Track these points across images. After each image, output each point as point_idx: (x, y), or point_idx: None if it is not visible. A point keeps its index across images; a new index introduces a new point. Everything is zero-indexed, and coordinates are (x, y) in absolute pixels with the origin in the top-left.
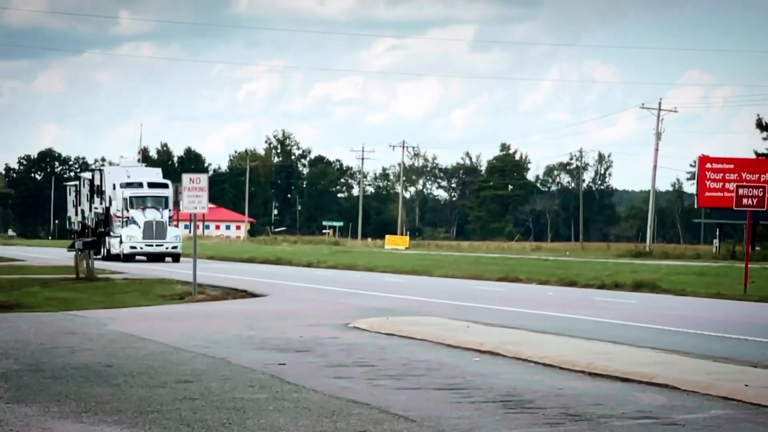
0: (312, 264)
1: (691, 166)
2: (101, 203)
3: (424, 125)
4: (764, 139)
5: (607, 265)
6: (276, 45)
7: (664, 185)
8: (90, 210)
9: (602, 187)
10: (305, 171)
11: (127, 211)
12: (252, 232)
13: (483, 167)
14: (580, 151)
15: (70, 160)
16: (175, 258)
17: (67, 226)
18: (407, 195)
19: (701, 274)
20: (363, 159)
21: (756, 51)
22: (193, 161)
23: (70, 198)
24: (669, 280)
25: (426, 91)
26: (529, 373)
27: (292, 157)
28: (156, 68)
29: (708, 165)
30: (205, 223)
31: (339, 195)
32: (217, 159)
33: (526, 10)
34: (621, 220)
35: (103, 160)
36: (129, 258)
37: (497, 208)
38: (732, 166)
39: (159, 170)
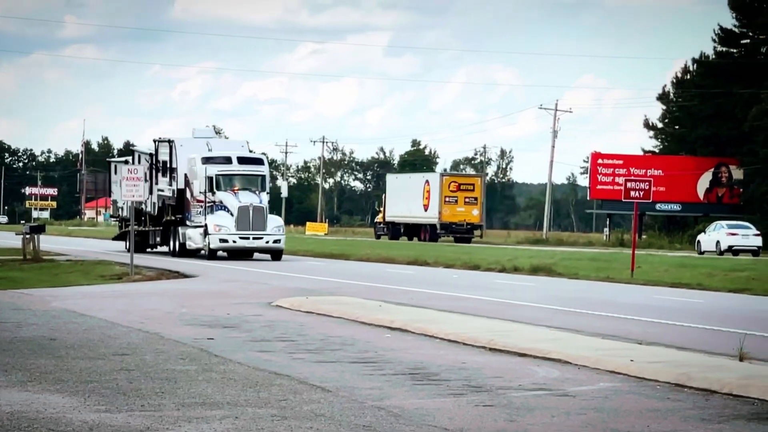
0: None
1: (584, 161)
2: (170, 184)
3: (342, 122)
4: (651, 137)
5: (508, 250)
6: (208, 48)
7: (559, 179)
8: (150, 192)
9: (504, 180)
10: None
11: (213, 193)
12: None
13: (395, 161)
14: (484, 147)
15: (19, 152)
16: (276, 255)
17: (112, 212)
18: (326, 186)
19: (593, 259)
20: (287, 153)
21: (644, 57)
22: (131, 154)
23: (116, 178)
24: (563, 265)
25: (344, 92)
26: (435, 349)
27: None
28: (98, 68)
29: (600, 161)
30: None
31: None
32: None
33: (437, 18)
34: (521, 210)
35: (49, 151)
36: (214, 254)
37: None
38: (621, 162)
39: (245, 142)
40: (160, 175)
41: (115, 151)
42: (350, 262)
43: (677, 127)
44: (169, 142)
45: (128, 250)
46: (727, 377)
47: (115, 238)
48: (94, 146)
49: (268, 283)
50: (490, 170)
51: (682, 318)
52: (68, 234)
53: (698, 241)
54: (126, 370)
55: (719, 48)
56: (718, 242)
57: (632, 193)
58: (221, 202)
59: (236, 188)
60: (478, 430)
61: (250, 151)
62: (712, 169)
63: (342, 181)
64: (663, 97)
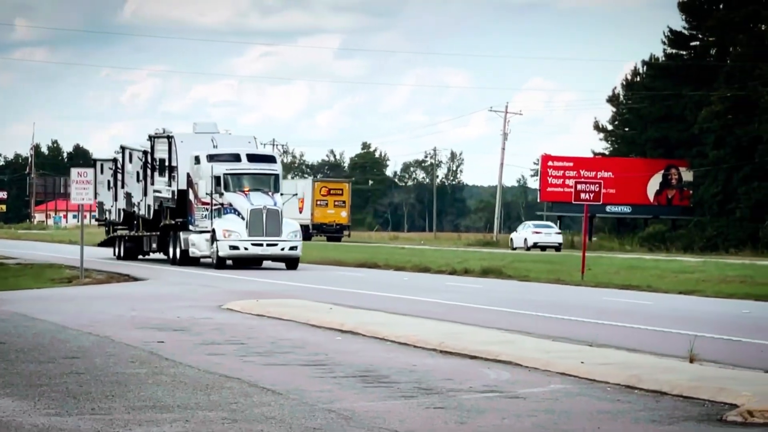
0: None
1: (534, 163)
2: (169, 184)
3: (292, 125)
4: (601, 139)
5: (458, 253)
6: (158, 51)
7: (510, 181)
8: (144, 194)
9: (454, 182)
10: None
11: (221, 194)
12: None
13: (346, 164)
14: (434, 150)
15: None
16: (291, 263)
17: (98, 216)
18: None
19: (543, 261)
20: None
21: (595, 60)
22: (81, 157)
23: (103, 178)
24: (513, 267)
25: (295, 95)
26: (386, 351)
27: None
28: (48, 72)
29: (550, 163)
30: (92, 213)
31: None
32: (103, 155)
33: (387, 21)
34: (471, 213)
35: None
36: (223, 263)
37: (358, 201)
38: (572, 164)
39: (252, 137)
40: (156, 174)
41: (65, 155)
42: (300, 265)
43: (627, 129)
44: (168, 137)
45: (119, 257)
46: (678, 379)
47: (101, 244)
48: (44, 150)
49: (218, 286)
50: (441, 172)
51: (632, 320)
52: (17, 237)
53: (511, 239)
54: (76, 374)
55: (669, 50)
56: (525, 239)
57: (582, 195)
58: (230, 204)
59: (246, 189)
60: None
61: (263, 146)
62: (662, 171)
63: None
64: (613, 100)
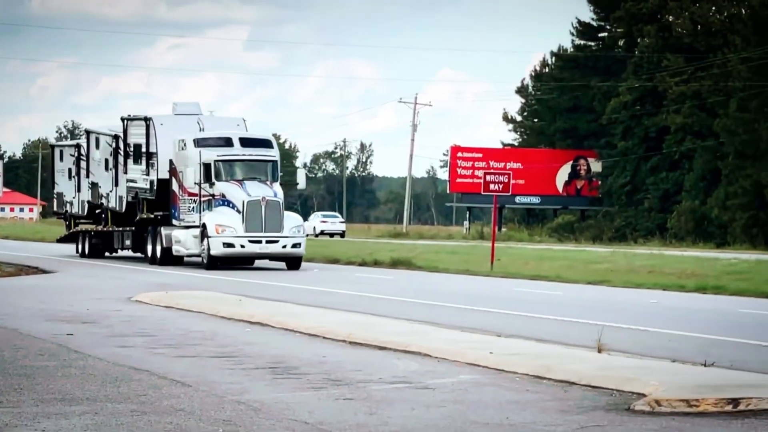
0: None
1: (444, 155)
2: (147, 172)
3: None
4: (510, 130)
5: (368, 244)
6: (67, 43)
7: (419, 172)
8: (115, 183)
9: (364, 173)
10: None
11: (211, 184)
12: (44, 214)
13: None
14: (344, 141)
15: None
16: (293, 263)
17: (55, 207)
18: None
19: (452, 252)
20: None
21: (504, 51)
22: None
23: (63, 166)
24: (423, 258)
25: (205, 86)
26: (295, 342)
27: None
28: None
29: (459, 154)
30: (0, 206)
31: None
32: (12, 147)
33: (296, 13)
34: (381, 204)
35: None
36: (215, 263)
37: None
38: (481, 155)
39: (241, 119)
40: (130, 161)
41: None
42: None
43: (536, 120)
44: (146, 120)
45: (82, 255)
46: (586, 368)
47: (62, 240)
48: None
49: (127, 278)
50: (350, 164)
51: (541, 310)
52: None
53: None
54: None
55: (577, 41)
56: (314, 227)
57: (491, 186)
58: (222, 195)
59: (239, 179)
60: (338, 424)
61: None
62: (571, 162)
63: None
64: (522, 91)
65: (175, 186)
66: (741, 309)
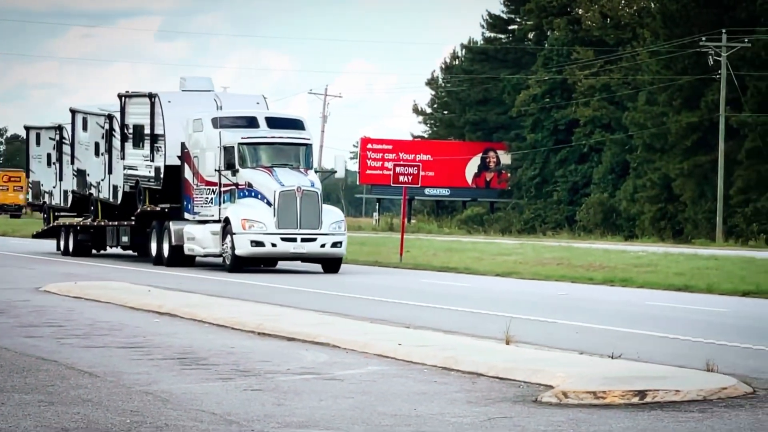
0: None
1: (354, 146)
2: (151, 158)
3: (114, 106)
4: (420, 122)
5: None
6: None
7: (329, 163)
8: (109, 171)
9: None
10: (2, 148)
11: (235, 171)
12: None
13: None
14: None
15: None
16: (332, 265)
17: (30, 198)
18: None
19: (362, 244)
20: None
21: (415, 43)
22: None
23: (40, 151)
24: None
25: (116, 76)
26: (204, 333)
27: None
28: None
29: (369, 146)
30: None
31: None
32: None
33: (208, 4)
34: None
35: None
36: (240, 265)
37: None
38: (391, 147)
39: (261, 97)
40: (128, 145)
41: None
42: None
43: (446, 112)
44: (150, 96)
45: (65, 253)
46: (494, 360)
47: (39, 235)
48: None
49: (36, 268)
50: None
51: (449, 302)
52: None
53: None
54: None
55: (487, 34)
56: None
57: (401, 178)
58: (249, 184)
59: (268, 165)
60: (246, 415)
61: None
62: (481, 154)
63: None
64: (432, 83)
65: (188, 173)
66: (648, 302)
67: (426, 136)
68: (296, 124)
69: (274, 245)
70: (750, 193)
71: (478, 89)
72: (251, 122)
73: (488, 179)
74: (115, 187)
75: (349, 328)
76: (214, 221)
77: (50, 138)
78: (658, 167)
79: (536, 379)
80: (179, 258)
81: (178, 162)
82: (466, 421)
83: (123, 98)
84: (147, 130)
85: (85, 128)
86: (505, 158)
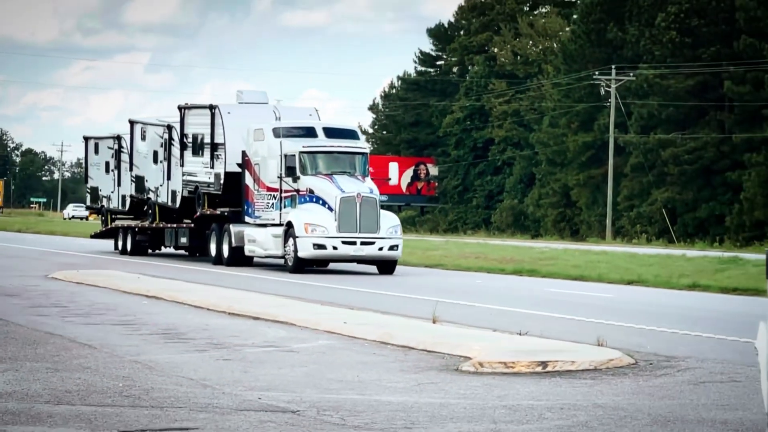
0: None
1: None
2: (211, 165)
3: (110, 126)
4: (364, 141)
5: None
6: None
7: None
8: (167, 177)
9: None
10: (18, 160)
11: (296, 178)
12: None
13: None
14: None
15: None
16: (387, 266)
17: (89, 202)
18: None
19: None
20: (62, 151)
21: (359, 74)
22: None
23: (98, 159)
24: None
25: (112, 101)
26: (184, 313)
27: (7, 149)
28: None
29: None
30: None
31: (44, 178)
32: None
33: (188, 41)
34: None
35: None
36: (302, 266)
37: None
38: None
39: (314, 109)
40: (188, 153)
41: None
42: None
43: (385, 132)
44: (211, 108)
45: (123, 252)
46: (423, 336)
47: (97, 236)
48: None
49: (46, 259)
50: None
51: (385, 288)
52: None
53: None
54: None
55: (419, 68)
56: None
57: None
58: (310, 190)
59: (328, 173)
60: (218, 380)
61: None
62: (413, 167)
63: None
64: (373, 108)
65: (248, 179)
66: (550, 288)
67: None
68: (351, 134)
69: (335, 248)
70: (634, 200)
71: (412, 113)
72: (310, 132)
73: (419, 188)
74: (174, 192)
75: (304, 309)
76: (275, 225)
77: (108, 147)
78: (558, 178)
79: (458, 351)
80: (239, 258)
81: (237, 169)
82: (400, 386)
83: (183, 110)
84: (207, 139)
85: (143, 138)
86: (434, 170)
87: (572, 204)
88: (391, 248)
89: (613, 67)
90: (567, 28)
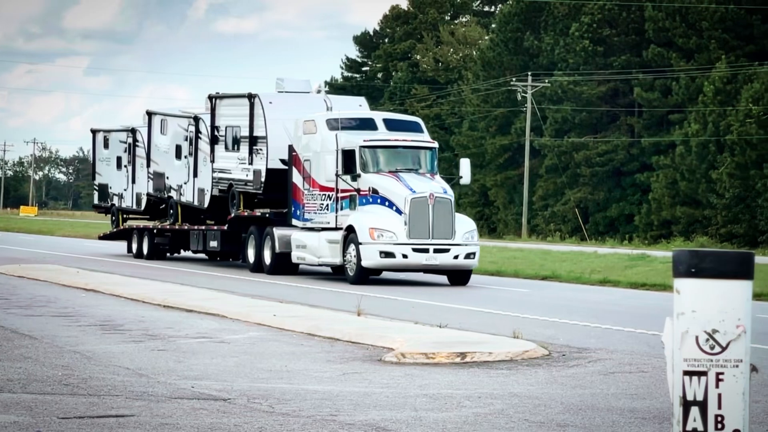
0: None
1: None
2: (250, 161)
3: (51, 127)
4: None
5: None
6: None
7: None
8: (194, 174)
9: None
10: None
11: (356, 177)
12: None
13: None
14: None
15: None
16: (462, 277)
17: (96, 200)
18: (37, 177)
19: None
20: (5, 151)
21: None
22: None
23: (108, 154)
24: None
25: (53, 103)
26: (121, 305)
27: None
28: None
29: None
30: None
31: None
32: None
33: (126, 46)
34: None
35: None
36: (365, 277)
37: None
38: None
39: (363, 99)
40: (220, 148)
41: None
42: (54, 237)
43: None
44: (249, 97)
45: (138, 255)
46: (348, 328)
47: (107, 237)
48: None
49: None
50: None
51: (314, 284)
52: None
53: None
54: None
55: (346, 73)
56: None
57: None
58: (374, 190)
59: (392, 169)
60: (153, 369)
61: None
62: None
63: (49, 174)
64: None
65: (296, 178)
66: (468, 283)
67: None
68: (415, 126)
69: (405, 256)
70: (548, 200)
71: None
72: (369, 124)
73: None
74: (201, 191)
75: (235, 302)
76: (330, 228)
77: (121, 141)
78: (477, 179)
79: (381, 343)
80: (284, 266)
81: (281, 165)
82: (326, 375)
83: (213, 99)
84: (244, 132)
85: (163, 131)
86: None
87: (490, 203)
88: (468, 256)
89: (529, 74)
90: (486, 37)
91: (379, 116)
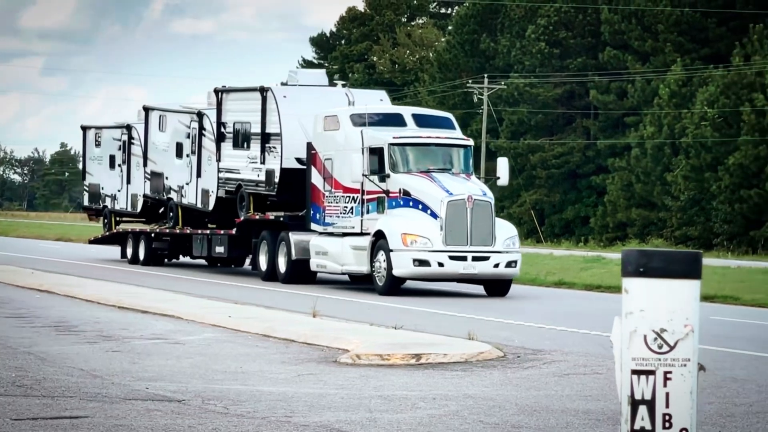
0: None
1: None
2: (262, 159)
3: (6, 128)
4: None
5: None
6: None
7: None
8: (198, 174)
9: None
10: None
11: (385, 177)
12: None
13: (47, 159)
14: None
15: None
16: (502, 287)
17: (86, 202)
18: None
19: None
20: None
21: (249, 80)
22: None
23: (100, 153)
24: None
25: (8, 104)
26: (76, 306)
27: None
28: None
29: None
30: None
31: None
32: None
33: (84, 47)
34: None
35: None
36: (396, 287)
37: (57, 188)
38: None
39: (384, 93)
40: (227, 145)
41: None
42: (9, 238)
43: None
44: (261, 90)
45: (133, 261)
46: (303, 330)
47: (97, 241)
48: None
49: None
50: None
51: (268, 285)
52: None
53: None
54: None
55: None
56: None
57: None
58: (404, 192)
59: (424, 168)
60: (107, 370)
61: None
62: None
63: (4, 175)
64: None
65: (316, 178)
66: (423, 285)
67: None
68: (446, 123)
69: (441, 265)
70: (504, 202)
71: None
72: (397, 120)
73: None
74: (205, 192)
75: (191, 303)
76: (355, 234)
77: (114, 138)
78: None
79: (336, 344)
80: (301, 274)
81: (297, 164)
82: (281, 377)
83: (220, 93)
84: (255, 129)
85: (162, 128)
86: None
87: None
88: (509, 265)
89: (485, 76)
90: (442, 39)
91: (407, 111)
